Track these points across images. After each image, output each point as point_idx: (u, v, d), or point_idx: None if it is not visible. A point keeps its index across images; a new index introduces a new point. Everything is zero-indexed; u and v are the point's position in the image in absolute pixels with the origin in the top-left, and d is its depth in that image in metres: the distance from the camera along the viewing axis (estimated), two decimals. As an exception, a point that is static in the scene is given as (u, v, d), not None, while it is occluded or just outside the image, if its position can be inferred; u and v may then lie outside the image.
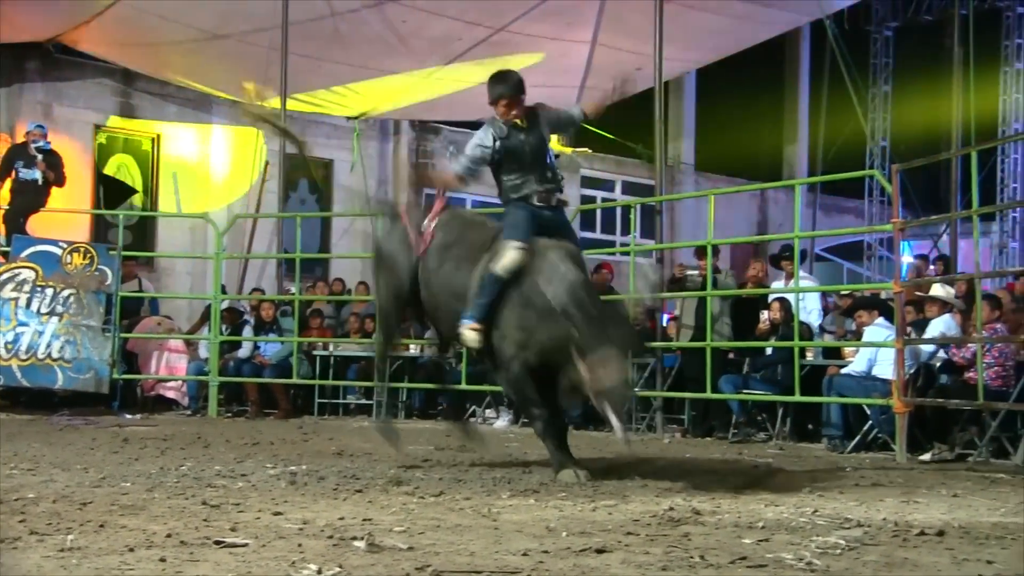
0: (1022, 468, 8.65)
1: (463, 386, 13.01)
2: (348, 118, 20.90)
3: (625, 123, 21.90)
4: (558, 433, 7.22)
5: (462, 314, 7.17)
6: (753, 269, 12.91)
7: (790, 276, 12.04)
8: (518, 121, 7.21)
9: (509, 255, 6.99)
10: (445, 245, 7.50)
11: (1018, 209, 25.38)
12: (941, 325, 10.21)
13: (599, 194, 23.96)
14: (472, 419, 13.31)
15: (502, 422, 13.03)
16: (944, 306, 10.46)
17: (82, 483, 6.20)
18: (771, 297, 11.91)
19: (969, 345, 9.69)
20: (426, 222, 7.64)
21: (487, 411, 13.46)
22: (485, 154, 7.27)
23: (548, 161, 7.38)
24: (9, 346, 13.01)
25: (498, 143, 7.19)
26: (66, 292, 13.24)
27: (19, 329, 13.04)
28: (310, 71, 17.58)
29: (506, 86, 7.25)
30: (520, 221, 7.15)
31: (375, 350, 8.69)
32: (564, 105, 7.80)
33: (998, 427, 9.27)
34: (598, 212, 23.48)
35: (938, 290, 10.79)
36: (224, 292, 14.54)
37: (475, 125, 22.11)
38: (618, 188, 24.58)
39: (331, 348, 14.48)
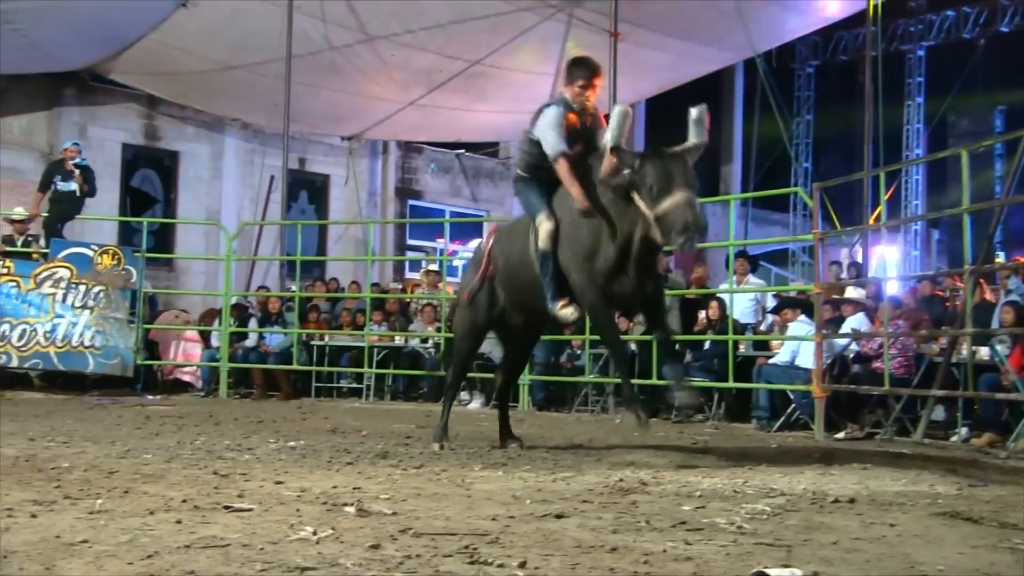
0: (921, 444, 8.72)
1: (440, 371, 13.00)
2: (342, 138, 20.86)
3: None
4: (630, 368, 6.83)
5: (546, 301, 6.64)
6: (696, 272, 12.91)
7: (740, 279, 12.03)
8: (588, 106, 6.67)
9: (541, 229, 6.57)
10: (503, 253, 7.11)
11: (919, 222, 25.64)
12: (855, 322, 10.29)
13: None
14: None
15: (475, 403, 13.00)
16: (858, 306, 10.54)
17: (109, 454, 6.15)
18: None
19: (877, 338, 9.76)
20: (483, 247, 7.34)
21: (462, 394, 13.41)
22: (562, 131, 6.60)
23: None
24: (48, 335, 12.95)
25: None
26: (97, 288, 13.16)
27: (56, 320, 12.98)
28: (310, 97, 17.54)
29: (581, 69, 6.74)
30: (531, 199, 6.72)
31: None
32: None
33: (901, 410, 9.34)
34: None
35: (852, 292, 10.86)
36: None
37: (452, 146, 22.46)
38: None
39: (327, 339, 14.45)
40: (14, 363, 13.00)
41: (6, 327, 12.83)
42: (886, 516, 4.43)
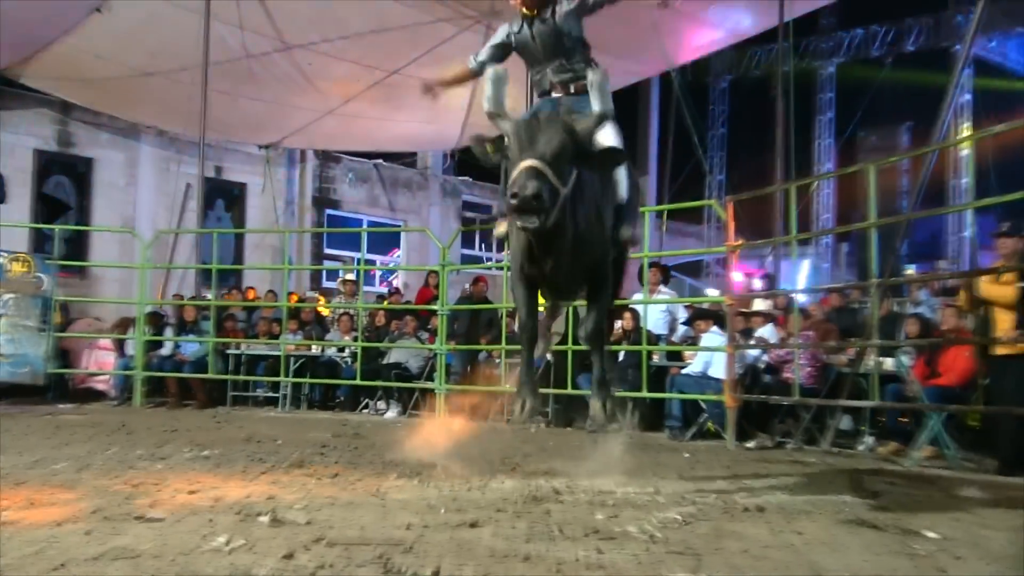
0: (828, 453, 8.89)
1: (357, 381, 12.92)
2: (259, 146, 20.67)
3: (501, 156, 21.97)
4: (531, 360, 5.90)
5: None
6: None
7: (652, 289, 12.11)
8: (525, 11, 6.05)
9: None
10: None
11: (829, 235, 26.18)
12: (765, 332, 10.46)
13: (479, 216, 24.07)
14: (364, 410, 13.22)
15: (392, 412, 12.94)
16: (767, 317, 10.71)
17: (17, 465, 6.02)
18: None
19: (786, 349, 9.94)
20: None
21: (379, 403, 13.34)
22: (495, 50, 6.22)
23: (565, 49, 6.05)
24: (-47, 344, 12.65)
25: (511, 36, 6.15)
26: (7, 296, 12.87)
27: (-38, 328, 12.68)
28: (227, 105, 17.35)
29: None
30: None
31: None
32: None
33: (810, 419, 9.50)
34: (477, 232, 23.61)
35: (760, 304, 11.05)
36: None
37: (370, 155, 22.36)
38: (495, 211, 24.70)
39: (243, 348, 14.28)
40: (-81, 372, 12.67)
41: (-89, 335, 12.51)
42: (794, 524, 4.51)
